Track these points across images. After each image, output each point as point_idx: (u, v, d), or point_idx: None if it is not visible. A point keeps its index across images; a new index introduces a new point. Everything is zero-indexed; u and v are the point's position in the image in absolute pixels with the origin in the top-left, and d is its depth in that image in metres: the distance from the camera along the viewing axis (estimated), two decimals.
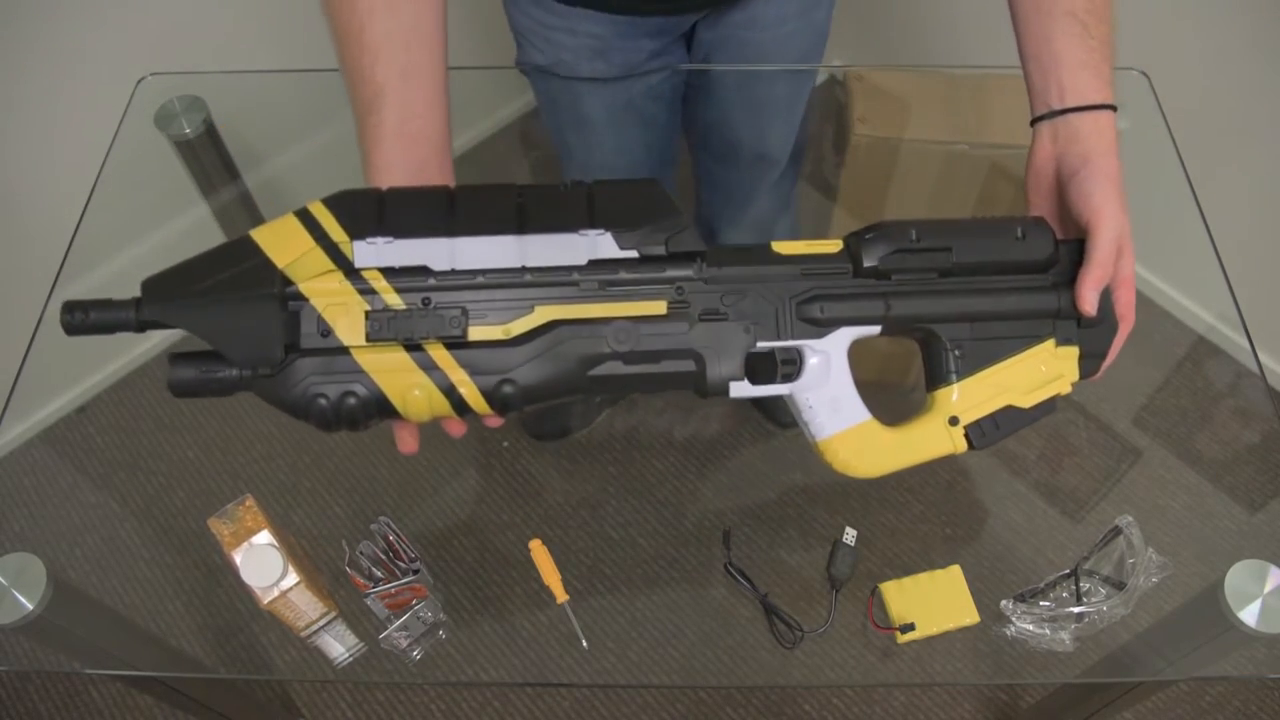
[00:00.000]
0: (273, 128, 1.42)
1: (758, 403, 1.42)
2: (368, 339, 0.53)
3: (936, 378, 0.66)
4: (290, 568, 0.82)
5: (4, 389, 0.97)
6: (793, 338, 0.61)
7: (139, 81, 1.17)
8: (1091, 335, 0.65)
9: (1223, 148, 1.45)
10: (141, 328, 0.54)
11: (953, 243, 0.62)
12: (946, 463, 1.23)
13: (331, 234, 0.53)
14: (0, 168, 1.42)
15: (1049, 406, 0.66)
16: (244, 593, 0.83)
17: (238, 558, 0.83)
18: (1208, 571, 0.86)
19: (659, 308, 0.58)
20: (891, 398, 1.37)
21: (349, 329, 0.53)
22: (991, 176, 1.25)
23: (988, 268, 0.63)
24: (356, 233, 0.54)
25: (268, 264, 0.53)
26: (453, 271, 0.54)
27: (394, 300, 0.54)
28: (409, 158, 0.61)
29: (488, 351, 0.55)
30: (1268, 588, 0.80)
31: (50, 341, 0.99)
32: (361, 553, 0.90)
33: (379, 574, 0.89)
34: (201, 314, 0.52)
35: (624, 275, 0.57)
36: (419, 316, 0.54)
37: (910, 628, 0.91)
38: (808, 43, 1.05)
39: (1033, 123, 0.70)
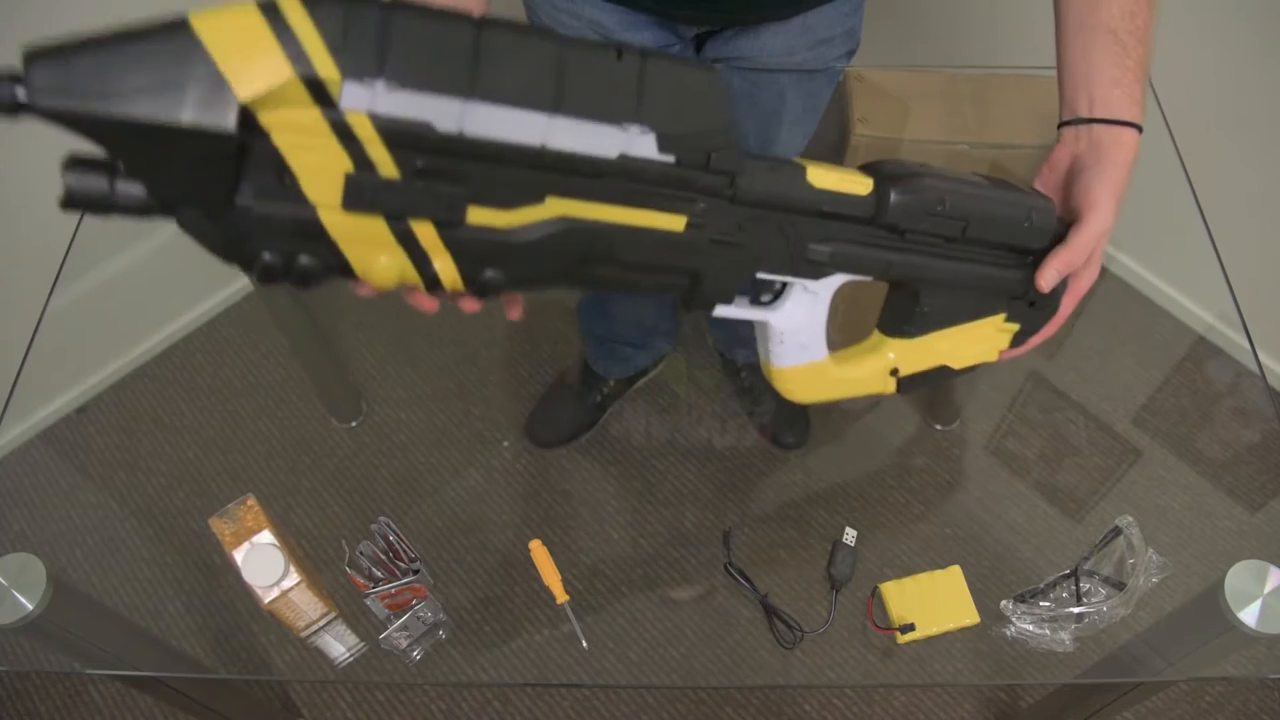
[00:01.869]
0: None
1: (763, 426, 1.43)
2: (343, 206, 0.43)
3: (894, 326, 0.66)
4: (291, 567, 0.82)
5: (4, 389, 0.97)
6: (793, 274, 0.60)
7: None
8: (1032, 314, 0.69)
9: (1223, 148, 1.45)
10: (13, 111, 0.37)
11: (972, 217, 0.62)
12: (946, 463, 1.24)
13: (314, 58, 0.39)
14: (0, 168, 1.42)
15: (972, 370, 0.69)
16: (244, 593, 0.83)
17: (239, 557, 0.83)
18: (1208, 571, 0.86)
19: (678, 223, 0.52)
20: (890, 397, 1.38)
21: (320, 185, 0.42)
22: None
23: (990, 245, 0.64)
24: (349, 68, 0.40)
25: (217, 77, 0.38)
26: (460, 135, 0.43)
27: (382, 158, 0.43)
28: None
29: (482, 236, 0.47)
30: (1268, 588, 0.80)
31: (50, 341, 0.99)
32: (361, 553, 0.90)
33: (379, 574, 0.89)
34: (120, 127, 0.37)
35: (653, 181, 0.49)
36: (413, 188, 0.43)
37: (910, 628, 0.91)
38: (820, 77, 1.05)
39: (1060, 126, 0.72)
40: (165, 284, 1.48)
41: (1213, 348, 1.28)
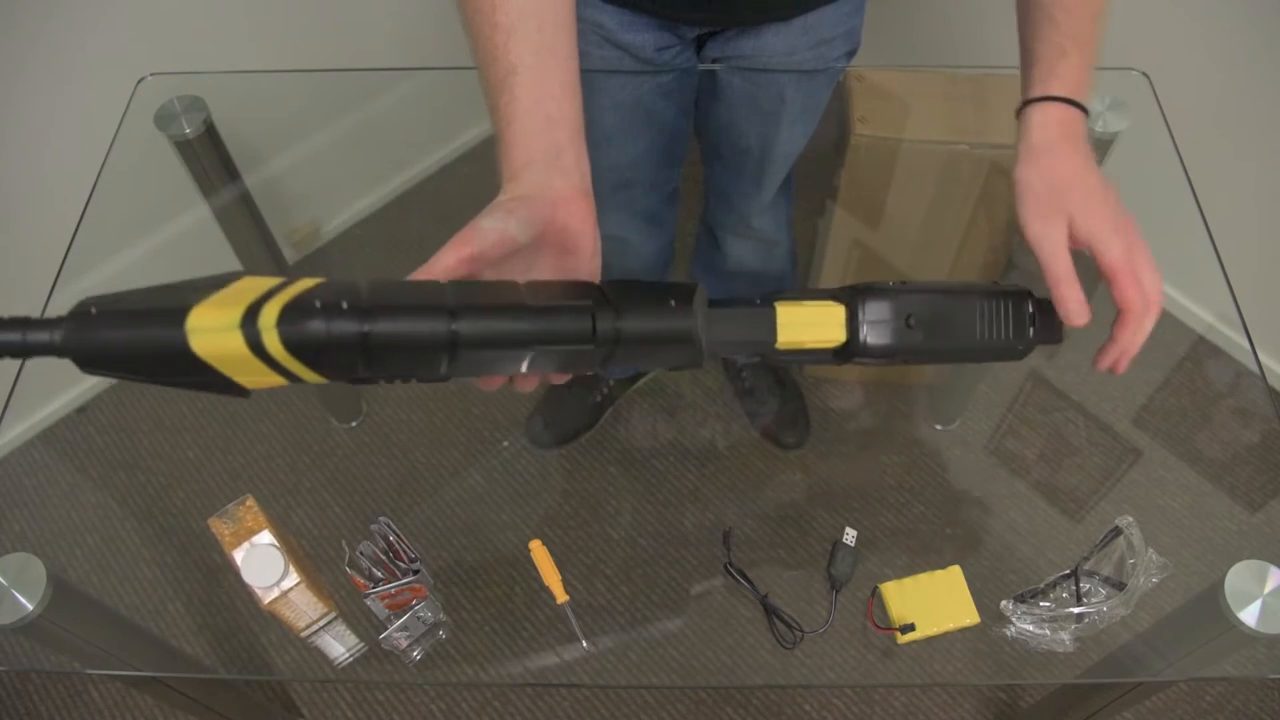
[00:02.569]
0: (273, 128, 1.42)
1: (763, 427, 1.43)
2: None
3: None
4: (290, 568, 0.82)
5: (4, 389, 0.96)
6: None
7: (139, 81, 1.17)
8: (1042, 325, 0.66)
9: (1223, 148, 1.45)
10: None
11: (950, 351, 0.62)
12: (946, 463, 1.24)
13: (305, 378, 0.46)
14: (0, 168, 1.42)
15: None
16: (244, 593, 0.83)
17: (238, 558, 0.83)
18: (1208, 571, 0.86)
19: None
20: (890, 396, 1.38)
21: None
22: (992, 176, 1.25)
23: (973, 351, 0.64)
24: (339, 376, 0.47)
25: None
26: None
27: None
28: (544, 140, 0.58)
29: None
30: (1268, 588, 0.80)
31: None
32: (361, 553, 0.90)
33: (379, 574, 0.89)
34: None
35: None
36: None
37: (910, 628, 0.91)
38: (820, 77, 1.05)
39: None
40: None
41: (1213, 348, 1.28)
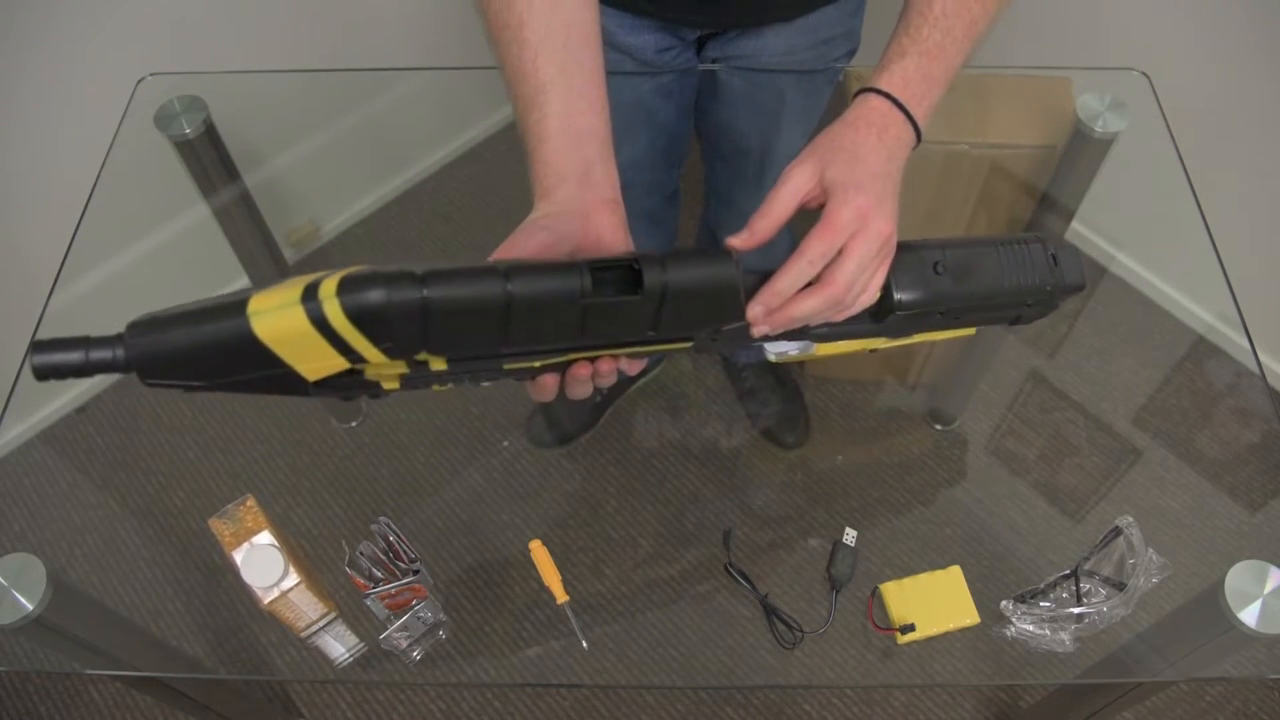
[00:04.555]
0: (273, 128, 1.42)
1: (764, 427, 1.43)
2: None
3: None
4: (290, 568, 0.82)
5: (4, 389, 0.96)
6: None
7: (139, 81, 1.17)
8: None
9: (1223, 148, 1.45)
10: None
11: (973, 289, 0.63)
12: (946, 463, 1.24)
13: (367, 356, 0.46)
14: (0, 168, 1.42)
15: None
16: (244, 593, 0.83)
17: (238, 558, 0.83)
18: (1208, 571, 0.86)
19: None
20: (890, 397, 1.38)
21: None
22: (992, 176, 1.25)
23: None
24: (401, 353, 0.48)
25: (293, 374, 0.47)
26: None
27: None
28: (575, 157, 0.59)
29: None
30: (1268, 588, 0.80)
31: None
32: (361, 553, 0.90)
33: (379, 574, 0.89)
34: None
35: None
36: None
37: (910, 628, 0.91)
38: (820, 77, 1.05)
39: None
40: (165, 284, 1.48)
41: (1213, 348, 1.28)
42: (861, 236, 0.57)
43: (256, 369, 0.45)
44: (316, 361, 0.46)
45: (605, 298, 0.49)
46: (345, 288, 0.43)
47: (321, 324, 0.44)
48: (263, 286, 0.45)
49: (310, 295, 0.43)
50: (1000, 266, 0.62)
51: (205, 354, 0.45)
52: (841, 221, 0.57)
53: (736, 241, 0.57)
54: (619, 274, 0.50)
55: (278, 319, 0.43)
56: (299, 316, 0.43)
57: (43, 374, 0.45)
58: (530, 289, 0.47)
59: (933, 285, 0.60)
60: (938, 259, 0.60)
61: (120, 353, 0.45)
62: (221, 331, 0.44)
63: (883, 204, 0.58)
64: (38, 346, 0.45)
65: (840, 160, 0.60)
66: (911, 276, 0.60)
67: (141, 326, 0.45)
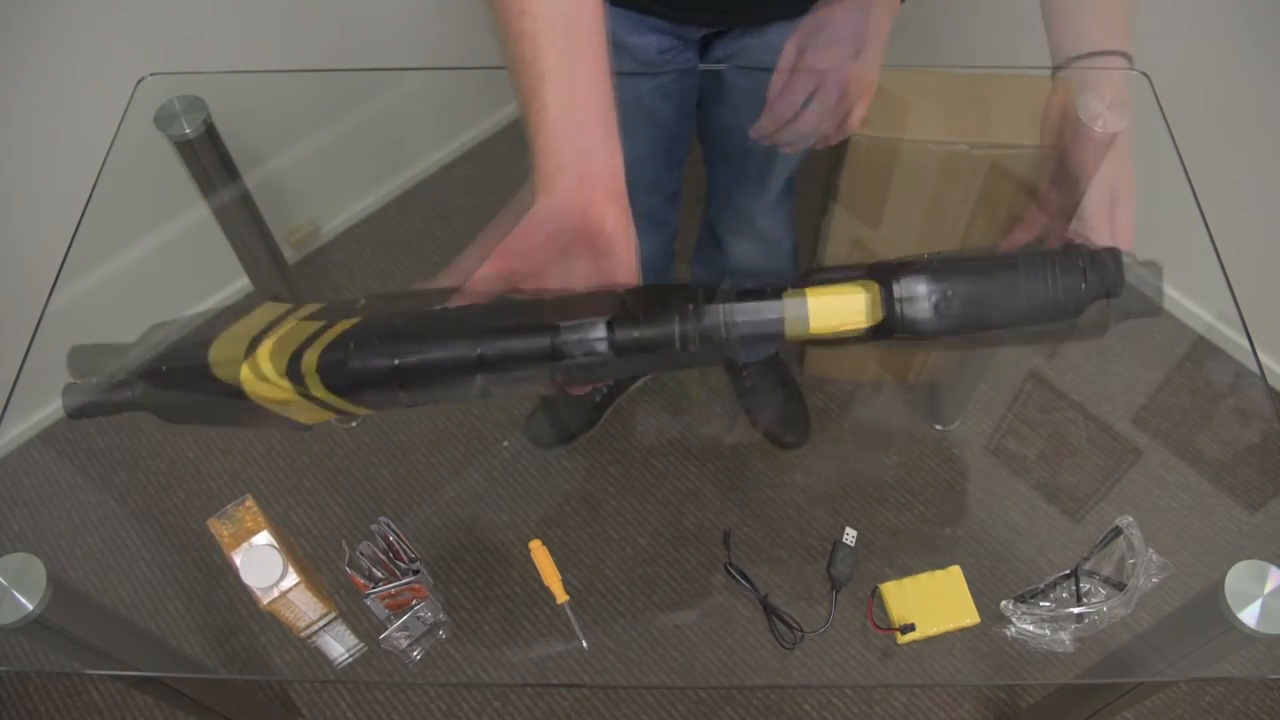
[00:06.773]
0: (273, 128, 1.42)
1: (764, 426, 1.43)
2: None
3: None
4: (290, 568, 0.82)
5: (4, 389, 0.96)
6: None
7: (139, 81, 1.17)
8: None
9: (1223, 148, 1.45)
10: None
11: (988, 320, 0.59)
12: (946, 463, 1.24)
13: (351, 411, 0.55)
14: (0, 168, 1.42)
15: None
16: (244, 593, 0.83)
17: (238, 558, 0.83)
18: (1208, 571, 0.86)
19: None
20: (890, 397, 1.38)
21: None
22: (991, 176, 1.25)
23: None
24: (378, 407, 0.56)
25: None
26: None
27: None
28: (573, 147, 0.59)
29: None
30: (1268, 588, 0.80)
31: (50, 342, 0.99)
32: (361, 553, 0.90)
33: (379, 574, 0.89)
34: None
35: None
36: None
37: (910, 628, 0.91)
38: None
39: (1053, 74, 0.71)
40: (165, 284, 1.48)
41: (1213, 348, 1.28)
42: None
43: (258, 420, 0.56)
44: (309, 415, 0.56)
45: (574, 358, 0.53)
46: (322, 364, 0.52)
47: (306, 395, 0.53)
48: (239, 316, 0.56)
49: (295, 369, 0.52)
50: (1018, 290, 0.57)
51: (212, 410, 0.56)
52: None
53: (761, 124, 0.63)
54: (589, 330, 0.53)
55: (268, 390, 0.53)
56: (287, 390, 0.53)
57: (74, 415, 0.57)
58: (500, 351, 0.53)
59: (941, 310, 0.57)
60: (944, 291, 0.56)
61: (138, 393, 0.57)
62: (221, 393, 0.54)
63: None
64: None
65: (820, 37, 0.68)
66: (917, 302, 0.56)
67: (154, 376, 0.57)
